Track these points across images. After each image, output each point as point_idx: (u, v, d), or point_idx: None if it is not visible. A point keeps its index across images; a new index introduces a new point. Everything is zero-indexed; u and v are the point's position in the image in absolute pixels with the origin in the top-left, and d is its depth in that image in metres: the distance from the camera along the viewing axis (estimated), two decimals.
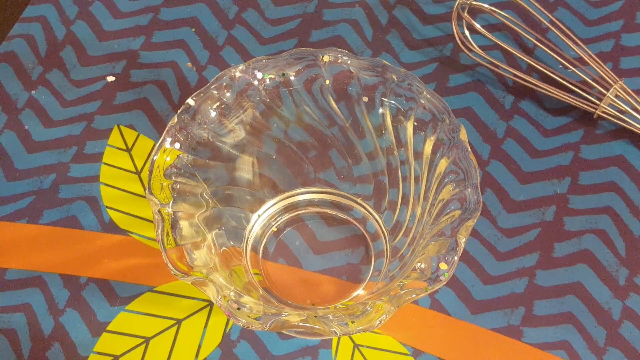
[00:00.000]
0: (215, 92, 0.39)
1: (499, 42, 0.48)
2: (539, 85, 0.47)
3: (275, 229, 0.44)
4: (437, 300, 0.42)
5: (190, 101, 0.39)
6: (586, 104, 0.47)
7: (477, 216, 0.35)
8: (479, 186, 0.36)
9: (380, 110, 0.40)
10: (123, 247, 0.44)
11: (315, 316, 0.34)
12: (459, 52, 0.51)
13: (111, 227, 0.45)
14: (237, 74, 0.39)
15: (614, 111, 0.46)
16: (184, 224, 0.37)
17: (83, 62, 0.51)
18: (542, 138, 0.47)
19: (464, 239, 0.35)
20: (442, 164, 0.38)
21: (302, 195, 0.45)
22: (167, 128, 0.38)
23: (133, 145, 0.48)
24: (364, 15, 0.52)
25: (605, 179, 0.46)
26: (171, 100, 0.49)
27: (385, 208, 0.43)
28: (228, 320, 0.42)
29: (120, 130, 0.48)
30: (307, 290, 0.42)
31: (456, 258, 0.34)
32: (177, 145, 0.38)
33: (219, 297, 0.34)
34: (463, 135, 0.37)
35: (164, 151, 0.37)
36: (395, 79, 0.39)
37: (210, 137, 0.40)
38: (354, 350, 0.41)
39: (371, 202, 0.43)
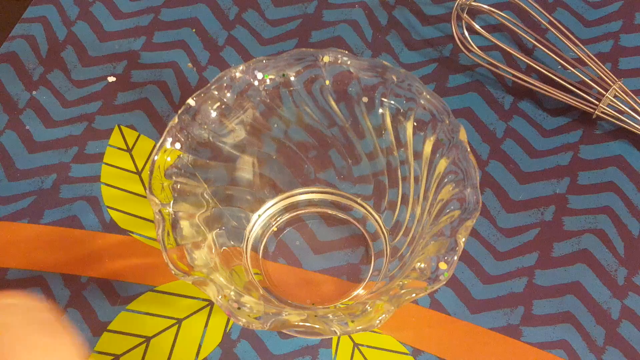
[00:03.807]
0: (216, 92, 0.39)
1: (498, 43, 0.49)
2: (538, 85, 0.48)
3: (275, 229, 0.44)
4: (437, 299, 0.42)
5: (191, 101, 0.39)
6: (585, 105, 0.47)
7: (476, 216, 0.35)
8: (478, 186, 0.36)
9: (380, 110, 0.40)
10: (124, 246, 0.44)
11: (315, 316, 0.34)
12: (458, 53, 0.51)
13: (112, 227, 0.45)
14: (238, 75, 0.40)
15: (612, 111, 0.47)
16: (184, 224, 0.37)
17: (84, 62, 0.51)
18: (542, 138, 0.47)
19: (463, 239, 0.35)
20: (442, 164, 0.38)
21: (302, 195, 0.45)
22: (167, 128, 0.38)
23: (134, 145, 0.48)
24: (364, 15, 0.53)
25: (604, 179, 0.46)
26: (172, 100, 0.49)
27: (385, 208, 0.43)
28: (228, 320, 0.42)
29: (121, 130, 0.48)
30: (307, 290, 0.42)
31: (456, 258, 0.35)
32: (178, 145, 0.38)
33: (220, 296, 0.34)
34: (462, 135, 0.37)
35: (165, 151, 0.38)
36: (395, 80, 0.39)
37: (210, 137, 0.40)
38: (353, 349, 0.41)
39: (371, 202, 0.44)
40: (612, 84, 0.46)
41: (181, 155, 0.38)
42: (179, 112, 0.38)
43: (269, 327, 0.33)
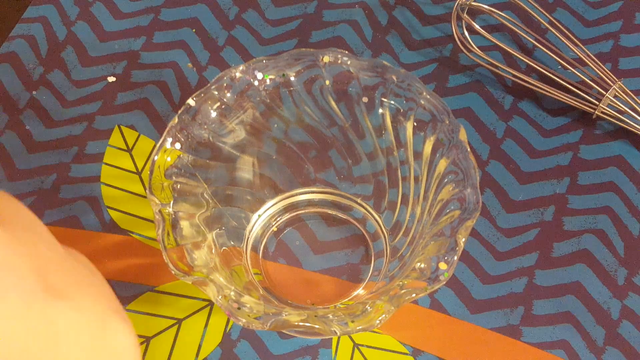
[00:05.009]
0: (216, 92, 0.39)
1: (498, 43, 0.49)
2: (538, 85, 0.48)
3: (275, 229, 0.44)
4: (437, 299, 0.42)
5: (191, 101, 0.39)
6: (585, 105, 0.47)
7: (476, 216, 0.35)
8: (478, 186, 0.36)
9: (380, 110, 0.40)
10: (124, 247, 0.44)
11: (315, 316, 0.34)
12: (458, 53, 0.51)
13: (112, 227, 0.45)
14: (238, 75, 0.40)
15: (612, 111, 0.47)
16: (184, 224, 0.37)
17: (84, 62, 0.51)
18: (542, 138, 0.47)
19: (463, 239, 0.35)
20: (442, 164, 0.38)
21: (302, 195, 0.45)
22: (167, 128, 0.38)
23: (134, 145, 0.48)
24: (364, 15, 0.53)
25: (604, 179, 0.46)
26: (172, 100, 0.49)
27: (385, 208, 0.43)
28: (228, 320, 0.42)
29: (121, 130, 0.48)
30: (307, 290, 0.42)
31: (456, 258, 0.35)
32: (178, 145, 0.38)
33: (220, 296, 0.34)
34: (462, 135, 0.37)
35: (165, 151, 0.38)
36: (395, 80, 0.39)
37: (210, 138, 0.40)
38: (353, 349, 0.41)
39: (371, 202, 0.44)
40: (612, 84, 0.47)
41: (181, 155, 0.38)
42: (179, 112, 0.38)
43: (269, 327, 0.33)
